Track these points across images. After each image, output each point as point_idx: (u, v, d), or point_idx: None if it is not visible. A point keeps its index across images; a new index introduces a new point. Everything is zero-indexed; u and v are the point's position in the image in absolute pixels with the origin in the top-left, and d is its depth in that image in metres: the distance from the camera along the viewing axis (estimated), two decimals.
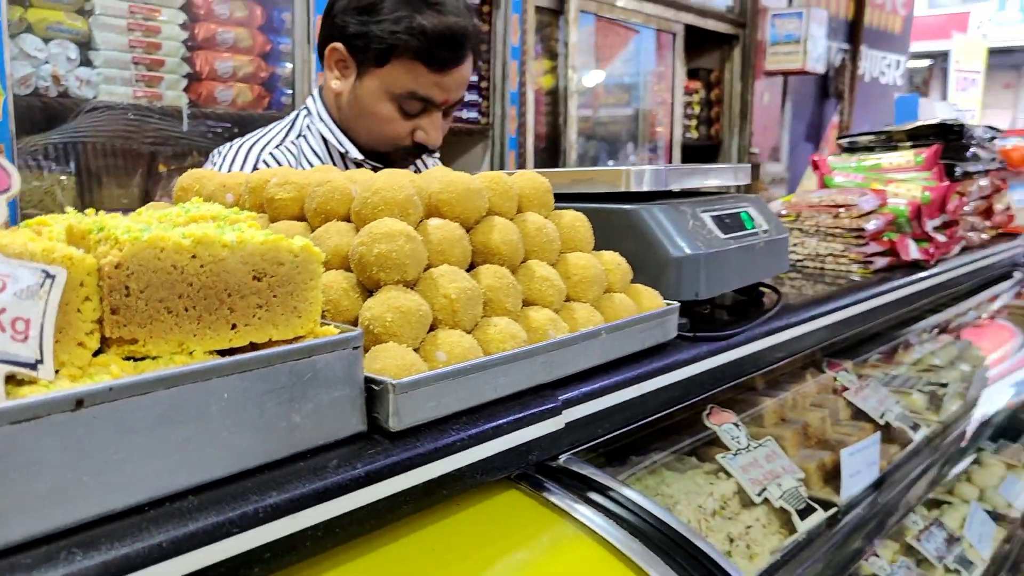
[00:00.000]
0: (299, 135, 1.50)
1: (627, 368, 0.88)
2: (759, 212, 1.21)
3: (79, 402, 0.48)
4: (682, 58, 4.21)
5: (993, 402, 1.83)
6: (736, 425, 1.19)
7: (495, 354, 0.72)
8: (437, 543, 0.69)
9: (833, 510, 1.19)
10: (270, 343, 0.61)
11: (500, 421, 0.72)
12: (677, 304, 0.95)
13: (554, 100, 3.62)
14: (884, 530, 1.33)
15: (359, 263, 0.72)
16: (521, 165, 3.27)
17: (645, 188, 1.03)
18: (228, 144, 1.50)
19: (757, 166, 4.60)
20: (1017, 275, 2.32)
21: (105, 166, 2.33)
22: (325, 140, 1.48)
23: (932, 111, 3.33)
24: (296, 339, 0.62)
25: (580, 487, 0.79)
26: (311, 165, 1.45)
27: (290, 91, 2.54)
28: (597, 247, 0.95)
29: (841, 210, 1.55)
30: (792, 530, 1.12)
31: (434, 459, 0.66)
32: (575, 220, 0.91)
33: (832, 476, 1.32)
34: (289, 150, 1.47)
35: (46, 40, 2.00)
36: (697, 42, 4.47)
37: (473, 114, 3.20)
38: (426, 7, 1.39)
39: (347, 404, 0.63)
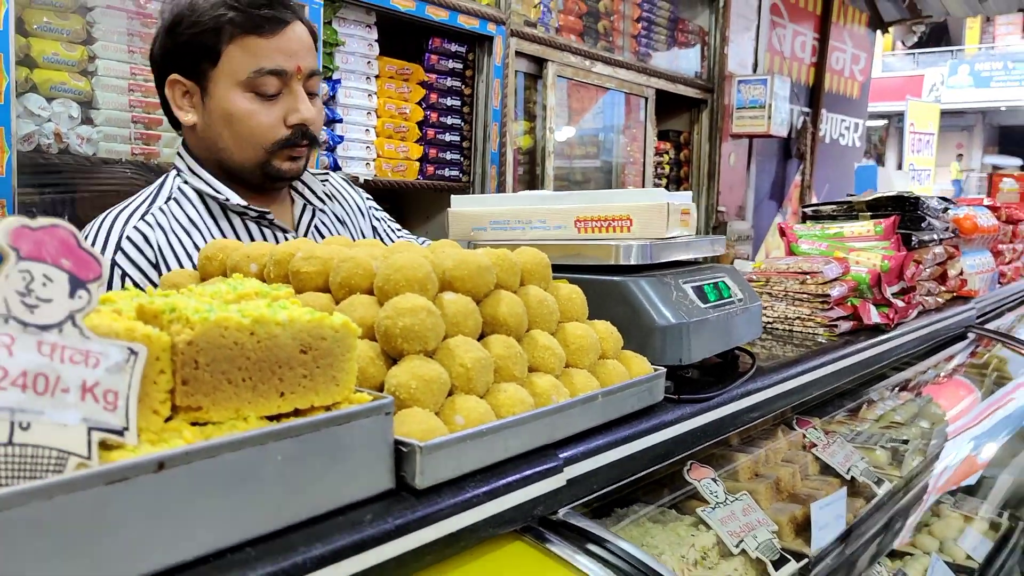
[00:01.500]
0: (169, 199, 1.38)
1: (620, 429, 0.97)
2: (734, 281, 1.31)
3: (160, 464, 0.55)
4: (653, 121, 4.38)
5: (953, 457, 1.93)
6: (714, 480, 1.27)
7: (506, 418, 0.80)
8: None
9: (805, 561, 1.27)
10: (311, 409, 0.68)
11: (510, 479, 0.79)
12: (664, 370, 1.04)
13: (531, 158, 3.75)
14: None
15: (384, 335, 0.79)
16: None
17: (633, 262, 1.12)
18: (91, 223, 1.37)
19: (724, 224, 4.77)
20: (970, 336, 2.46)
21: None
22: (201, 194, 1.38)
23: (890, 181, 3.53)
24: (334, 404, 0.70)
25: (579, 539, 0.86)
26: (185, 230, 1.34)
27: None
28: (589, 315, 1.04)
29: (807, 277, 1.67)
30: None
31: (454, 514, 0.73)
32: (571, 292, 1.00)
33: (802, 528, 1.40)
34: (156, 219, 1.34)
35: (49, 99, 2.07)
36: (667, 105, 4.66)
37: (455, 172, 3.31)
38: None
39: (379, 464, 0.70)
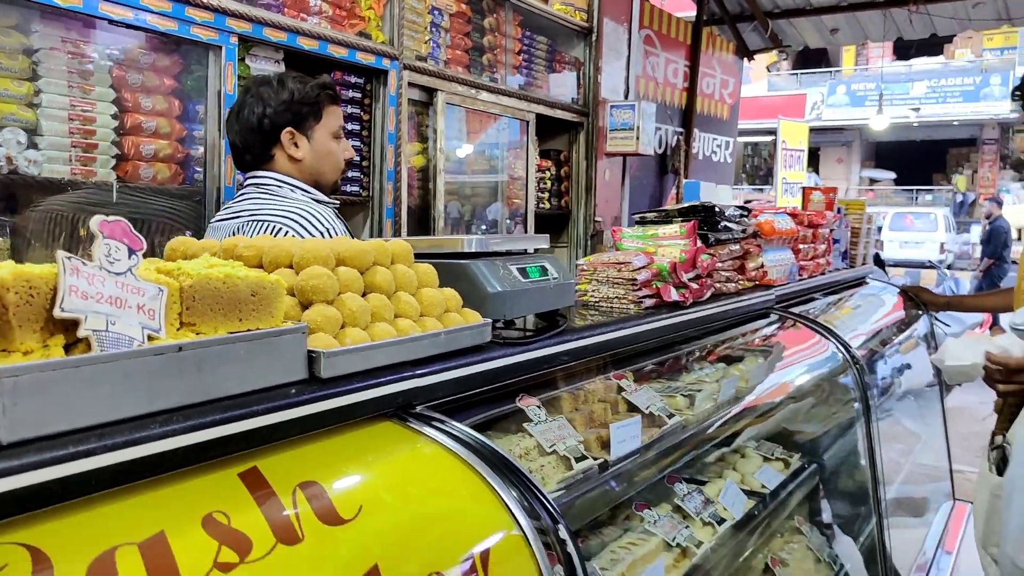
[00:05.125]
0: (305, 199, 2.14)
1: (458, 358, 1.46)
2: (553, 266, 1.84)
3: (180, 348, 1.01)
4: (534, 141, 4.95)
5: (741, 403, 2.52)
6: (538, 406, 1.78)
7: (377, 340, 1.29)
8: (344, 446, 1.24)
9: (601, 460, 1.80)
10: (258, 330, 1.15)
11: (381, 378, 1.28)
12: (490, 320, 1.55)
13: (424, 176, 4.24)
14: (643, 479, 1.96)
15: (301, 290, 1.27)
16: (396, 231, 3.85)
17: (475, 250, 1.63)
18: (278, 212, 2.05)
19: (600, 232, 5.38)
20: (773, 316, 3.10)
21: (35, 231, 2.74)
22: (309, 195, 2.16)
23: (714, 194, 4.21)
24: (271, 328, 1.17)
25: (428, 420, 1.36)
26: (320, 212, 2.09)
27: (201, 169, 3.03)
28: (445, 287, 1.53)
29: (621, 266, 2.22)
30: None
31: (345, 394, 1.21)
32: (427, 269, 1.50)
33: (607, 445, 1.93)
34: (317, 209, 2.10)
35: (1, 127, 2.44)
36: (548, 127, 5.24)
37: (356, 188, 3.77)
38: (303, 80, 2.17)
39: (299, 362, 1.17)
